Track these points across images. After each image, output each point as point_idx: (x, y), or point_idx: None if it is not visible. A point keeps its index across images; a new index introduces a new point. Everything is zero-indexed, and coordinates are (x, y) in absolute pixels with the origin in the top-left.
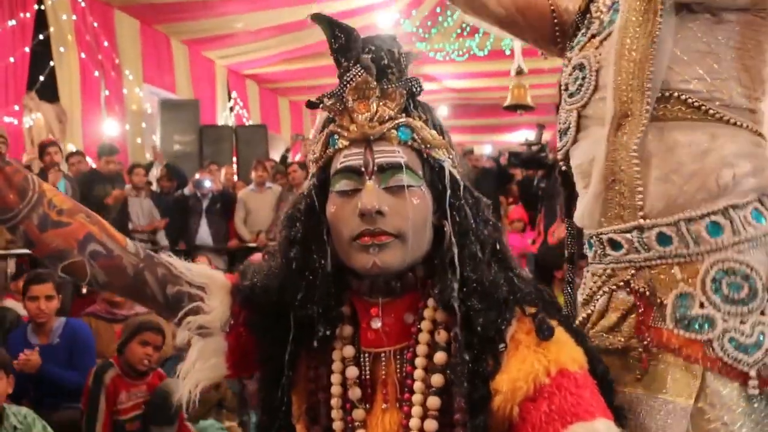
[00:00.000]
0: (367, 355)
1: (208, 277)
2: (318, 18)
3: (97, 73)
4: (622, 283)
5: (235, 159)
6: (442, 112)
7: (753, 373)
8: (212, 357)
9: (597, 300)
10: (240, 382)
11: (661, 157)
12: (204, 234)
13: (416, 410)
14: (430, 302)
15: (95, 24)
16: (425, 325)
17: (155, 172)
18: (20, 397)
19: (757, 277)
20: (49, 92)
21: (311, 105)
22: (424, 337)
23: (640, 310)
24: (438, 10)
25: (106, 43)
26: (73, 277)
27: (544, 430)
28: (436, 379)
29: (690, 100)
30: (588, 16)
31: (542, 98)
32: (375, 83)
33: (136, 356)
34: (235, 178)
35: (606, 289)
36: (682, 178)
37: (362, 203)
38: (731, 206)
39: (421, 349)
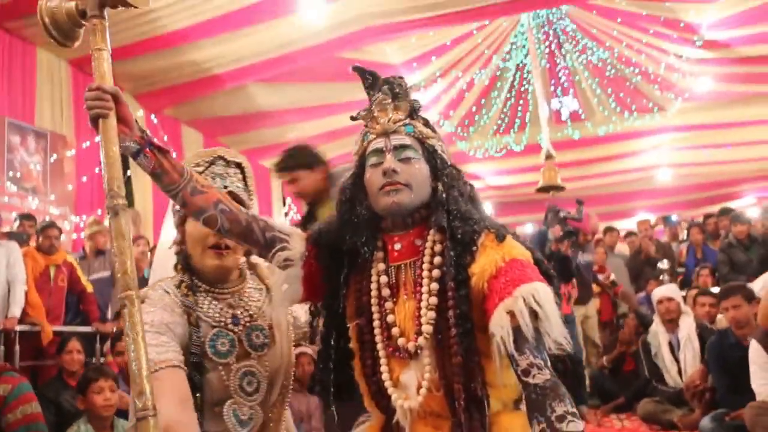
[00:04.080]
0: (392, 267)
1: (291, 228)
2: (355, 68)
3: None
4: None
5: None
6: (487, 209)
7: None
8: (293, 282)
9: None
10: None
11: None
12: None
13: (425, 297)
14: (431, 231)
15: (165, 137)
16: (428, 245)
17: None
18: None
19: None
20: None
21: (354, 118)
22: (428, 251)
23: None
24: (474, 109)
25: (174, 154)
26: (209, 225)
27: (503, 292)
28: (435, 273)
29: None
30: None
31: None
32: (390, 100)
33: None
34: None
35: None
36: None
37: (384, 166)
38: None
39: (427, 259)
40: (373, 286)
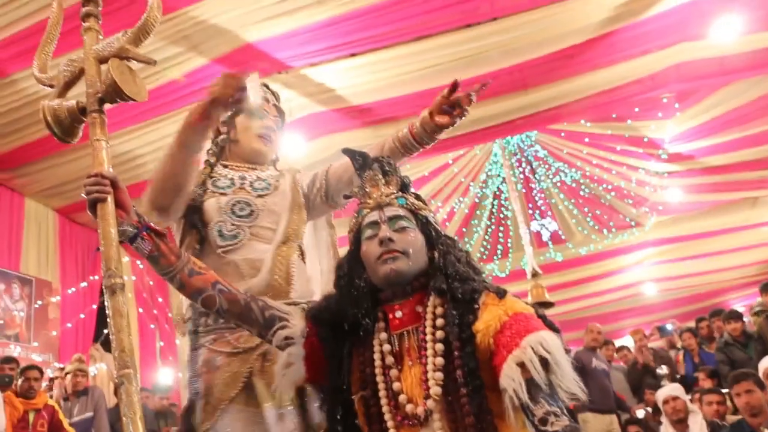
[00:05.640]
0: (395, 336)
1: (290, 308)
2: (345, 150)
3: (153, 326)
4: None
5: None
6: None
7: None
8: (294, 361)
9: None
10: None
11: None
12: None
13: (431, 359)
14: (432, 297)
15: (151, 282)
16: (429, 309)
17: None
18: None
19: None
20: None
21: (346, 197)
22: (429, 316)
23: None
24: (456, 239)
25: (160, 299)
26: (207, 307)
27: (511, 346)
28: (439, 334)
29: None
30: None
31: (554, 291)
32: (381, 176)
33: None
34: None
35: None
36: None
37: (380, 235)
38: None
39: (429, 322)
40: (377, 356)
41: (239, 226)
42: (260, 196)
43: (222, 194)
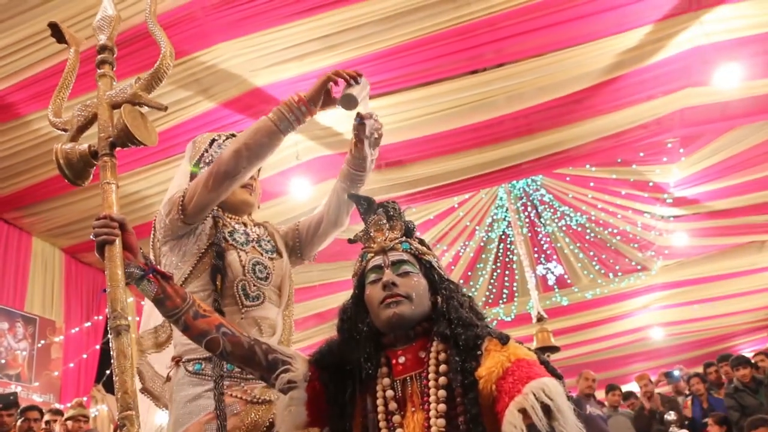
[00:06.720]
0: (398, 381)
1: (294, 351)
2: (350, 195)
3: None
4: None
5: None
6: None
7: None
8: (296, 405)
9: None
10: None
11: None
12: None
13: (433, 405)
14: (435, 342)
15: None
16: (432, 355)
17: None
18: None
19: None
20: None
21: (351, 241)
22: (432, 361)
23: None
24: (461, 282)
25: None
26: (211, 349)
27: (513, 392)
28: (442, 380)
29: None
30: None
31: (560, 335)
32: (385, 221)
33: None
34: None
35: None
36: None
37: (384, 279)
38: None
39: (432, 368)
40: (380, 402)
41: (259, 288)
42: (271, 259)
43: (242, 250)
